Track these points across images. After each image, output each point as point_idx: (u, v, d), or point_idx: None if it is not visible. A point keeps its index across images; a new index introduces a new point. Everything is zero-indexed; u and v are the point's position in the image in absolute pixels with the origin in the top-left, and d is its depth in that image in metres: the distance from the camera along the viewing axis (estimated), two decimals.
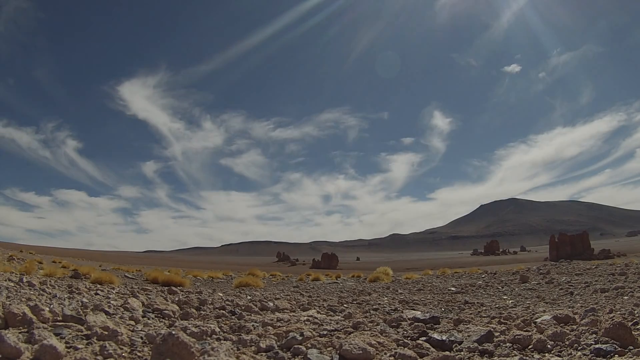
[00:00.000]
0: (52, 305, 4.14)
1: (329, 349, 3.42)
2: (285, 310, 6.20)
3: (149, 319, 4.69)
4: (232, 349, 3.15)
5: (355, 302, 7.76)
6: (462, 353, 3.36)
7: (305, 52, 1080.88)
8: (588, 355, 3.07)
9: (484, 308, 6.79)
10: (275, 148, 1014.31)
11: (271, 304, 6.51)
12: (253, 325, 4.52)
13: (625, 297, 6.89)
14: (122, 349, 2.99)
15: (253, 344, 3.49)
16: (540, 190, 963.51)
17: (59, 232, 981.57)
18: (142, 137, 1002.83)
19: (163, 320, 4.78)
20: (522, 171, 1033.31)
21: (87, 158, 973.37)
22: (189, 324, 3.86)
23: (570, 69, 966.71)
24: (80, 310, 4.17)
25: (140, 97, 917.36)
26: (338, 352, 3.25)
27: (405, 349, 3.34)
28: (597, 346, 3.14)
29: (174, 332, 2.77)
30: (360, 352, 3.15)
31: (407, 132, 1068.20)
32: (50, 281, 8.51)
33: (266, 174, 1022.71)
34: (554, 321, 4.46)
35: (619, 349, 3.07)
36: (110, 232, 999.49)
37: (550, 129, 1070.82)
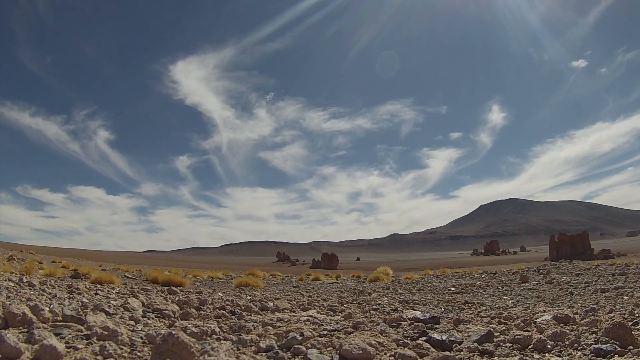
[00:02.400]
0: (52, 305, 4.14)
1: (329, 349, 3.42)
2: (285, 310, 6.20)
3: (149, 319, 4.68)
4: (232, 349, 3.15)
5: (355, 302, 7.76)
6: (462, 353, 3.36)
7: (381, 42, 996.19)
8: (588, 355, 3.07)
9: (484, 308, 6.79)
10: (322, 140, 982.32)
11: (271, 304, 6.51)
12: (253, 325, 4.52)
13: (625, 297, 6.90)
14: (122, 349, 2.99)
15: (253, 344, 3.49)
16: (561, 189, 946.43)
17: (67, 231, 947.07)
18: (184, 127, 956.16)
19: (163, 320, 4.78)
20: (553, 168, 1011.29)
21: (118, 151, 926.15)
22: (189, 324, 3.86)
23: (633, 66, 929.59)
24: (80, 310, 4.17)
25: (194, 79, 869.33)
26: (338, 352, 3.25)
27: (405, 349, 3.34)
28: (597, 346, 3.14)
29: (174, 332, 2.77)
30: (360, 352, 3.15)
31: (458, 127, 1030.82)
32: (50, 281, 8.51)
33: (302, 168, 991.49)
34: (554, 321, 4.46)
35: (619, 349, 3.07)
36: (119, 232, 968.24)
37: (590, 125, 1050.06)
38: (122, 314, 4.61)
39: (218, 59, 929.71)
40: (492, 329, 4.00)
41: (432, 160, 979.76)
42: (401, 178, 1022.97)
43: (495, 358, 3.22)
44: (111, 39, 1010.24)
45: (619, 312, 4.92)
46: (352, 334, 3.84)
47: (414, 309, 6.50)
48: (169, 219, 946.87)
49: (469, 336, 3.82)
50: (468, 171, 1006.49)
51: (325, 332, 4.08)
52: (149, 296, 7.00)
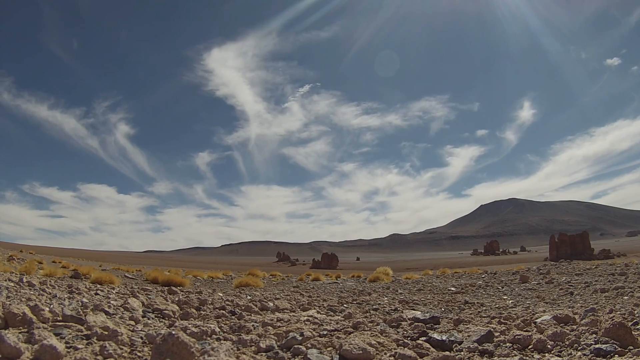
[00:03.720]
0: (52, 305, 4.14)
1: (329, 349, 3.42)
2: (285, 310, 6.20)
3: (149, 319, 4.69)
4: (232, 349, 3.15)
5: (355, 302, 7.76)
6: (462, 353, 3.36)
7: (427, 37, 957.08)
8: (588, 355, 3.07)
9: (484, 308, 6.80)
10: (350, 137, 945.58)
11: (271, 304, 6.51)
12: (253, 325, 4.52)
13: (625, 297, 6.90)
14: (122, 349, 2.99)
15: (253, 344, 3.49)
16: (572, 187, 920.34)
17: (70, 231, 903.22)
18: (210, 120, 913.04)
19: (163, 320, 4.78)
20: (569, 167, 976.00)
21: (137, 147, 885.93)
22: (189, 324, 3.86)
23: None
24: (80, 310, 4.17)
25: (229, 68, 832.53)
26: (338, 352, 3.25)
27: (405, 349, 3.34)
28: (597, 346, 3.14)
29: (174, 332, 2.77)
30: (360, 352, 3.15)
31: (486, 124, 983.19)
32: (50, 281, 8.51)
33: (324, 164, 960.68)
34: (554, 321, 4.46)
35: (619, 349, 3.07)
36: (124, 232, 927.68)
37: (612, 122, 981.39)
38: (122, 314, 4.61)
39: (259, 48, 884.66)
40: (492, 329, 4.00)
41: (452, 159, 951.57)
42: (419, 177, 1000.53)
43: (495, 358, 3.22)
44: (146, 20, 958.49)
45: (619, 312, 4.92)
46: (352, 334, 3.84)
47: (414, 309, 6.50)
48: (177, 218, 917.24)
49: (469, 336, 3.82)
50: (487, 169, 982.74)
51: (325, 332, 4.08)
52: (149, 296, 7.00)
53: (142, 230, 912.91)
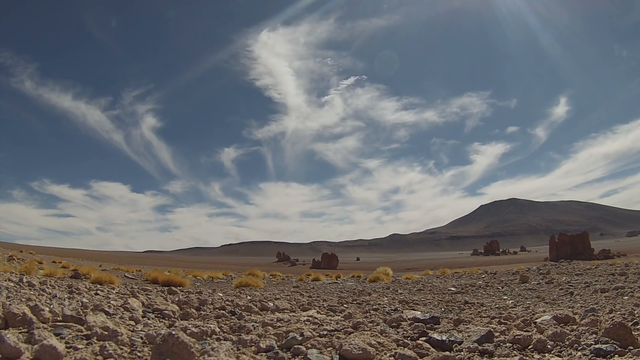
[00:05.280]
0: (52, 306, 4.14)
1: (329, 349, 3.42)
2: (285, 311, 6.20)
3: (149, 319, 4.69)
4: (232, 349, 3.15)
5: (355, 302, 7.76)
6: (462, 353, 3.36)
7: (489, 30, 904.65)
8: (588, 355, 3.07)
9: (484, 308, 6.79)
10: (383, 133, 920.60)
11: (271, 304, 6.51)
12: (253, 325, 4.52)
13: (625, 297, 6.90)
14: (122, 349, 2.99)
15: (253, 344, 3.49)
16: (585, 186, 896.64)
17: (76, 231, 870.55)
18: (243, 112, 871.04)
19: (163, 320, 4.78)
20: (587, 165, 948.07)
21: (164, 141, 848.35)
22: (189, 324, 3.86)
23: None
24: (80, 310, 4.17)
25: (275, 56, 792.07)
26: (338, 352, 3.25)
27: (405, 349, 3.34)
28: (597, 346, 3.14)
29: (174, 332, 2.77)
30: (360, 352, 3.15)
31: (518, 121, 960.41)
32: (50, 281, 8.51)
33: (350, 160, 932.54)
34: (554, 321, 4.46)
35: (619, 349, 3.07)
36: (130, 232, 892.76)
37: (636, 119, 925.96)
38: (122, 314, 4.61)
39: (313, 34, 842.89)
40: (492, 329, 4.00)
41: (477, 157, 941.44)
42: (440, 175, 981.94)
43: (495, 358, 3.22)
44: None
45: (619, 312, 4.92)
46: (352, 334, 3.84)
47: (414, 309, 6.50)
48: (188, 217, 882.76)
49: (469, 336, 3.82)
50: (507, 167, 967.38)
51: (325, 332, 4.08)
52: (149, 296, 7.00)
53: (150, 229, 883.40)
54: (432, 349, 3.42)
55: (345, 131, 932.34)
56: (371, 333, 3.88)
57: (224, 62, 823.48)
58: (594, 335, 3.49)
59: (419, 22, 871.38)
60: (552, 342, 3.44)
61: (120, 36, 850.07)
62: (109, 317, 4.15)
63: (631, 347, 3.11)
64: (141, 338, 3.36)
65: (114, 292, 7.57)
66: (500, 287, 10.67)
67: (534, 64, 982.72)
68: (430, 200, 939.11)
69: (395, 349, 3.37)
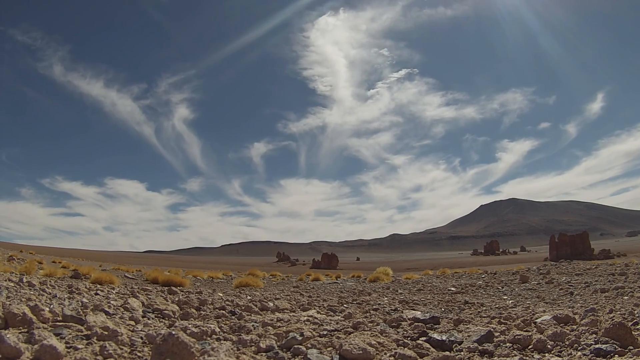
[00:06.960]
0: (52, 306, 4.14)
1: (329, 349, 3.42)
2: (285, 311, 6.20)
3: (149, 319, 4.69)
4: (232, 349, 3.15)
5: (355, 302, 7.76)
6: (462, 353, 3.36)
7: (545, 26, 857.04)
8: (588, 355, 3.07)
9: (484, 308, 6.79)
10: (421, 129, 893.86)
11: (271, 304, 6.51)
12: (253, 325, 4.53)
13: (625, 297, 6.90)
14: (122, 349, 2.99)
15: (253, 344, 3.49)
16: (599, 185, 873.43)
17: (82, 230, 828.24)
18: (283, 104, 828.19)
19: (163, 320, 4.78)
20: (606, 163, 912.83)
21: (195, 134, 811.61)
22: (189, 324, 3.86)
23: None
24: (80, 310, 4.18)
25: (331, 44, 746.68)
26: (338, 352, 3.25)
27: (405, 349, 3.34)
28: (597, 346, 3.14)
29: (174, 332, 2.77)
30: (360, 352, 3.15)
31: (552, 117, 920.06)
32: (50, 281, 8.51)
33: (380, 156, 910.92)
34: (554, 321, 4.46)
35: (619, 349, 3.07)
36: (137, 232, 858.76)
37: None
38: (122, 314, 4.61)
39: (376, 22, 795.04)
40: (492, 329, 4.00)
41: (504, 154, 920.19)
42: (464, 173, 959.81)
43: (495, 358, 3.22)
44: None
45: (619, 312, 4.92)
46: (352, 334, 3.84)
47: (414, 309, 6.50)
48: (199, 216, 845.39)
49: (469, 336, 3.82)
50: (530, 165, 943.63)
51: (325, 332, 4.08)
52: (149, 296, 7.00)
53: (159, 228, 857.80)
54: (432, 349, 3.42)
55: (382, 126, 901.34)
56: (371, 333, 3.88)
57: (274, 47, 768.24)
58: (594, 335, 3.49)
59: (485, 14, 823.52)
60: (552, 342, 3.44)
61: (169, 11, 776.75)
62: (109, 317, 4.15)
63: (631, 347, 3.11)
64: (141, 338, 3.37)
65: (114, 292, 7.57)
66: (500, 287, 10.67)
67: (575, 57, 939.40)
68: (447, 199, 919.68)
69: (395, 349, 3.38)
